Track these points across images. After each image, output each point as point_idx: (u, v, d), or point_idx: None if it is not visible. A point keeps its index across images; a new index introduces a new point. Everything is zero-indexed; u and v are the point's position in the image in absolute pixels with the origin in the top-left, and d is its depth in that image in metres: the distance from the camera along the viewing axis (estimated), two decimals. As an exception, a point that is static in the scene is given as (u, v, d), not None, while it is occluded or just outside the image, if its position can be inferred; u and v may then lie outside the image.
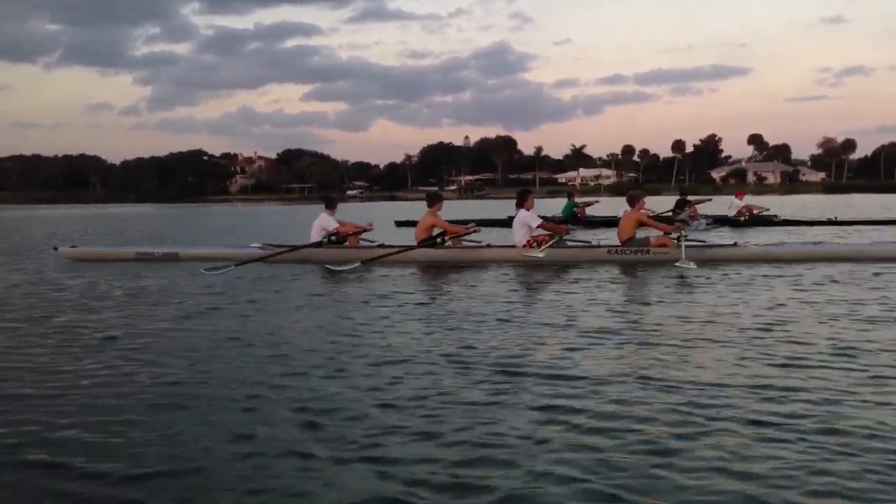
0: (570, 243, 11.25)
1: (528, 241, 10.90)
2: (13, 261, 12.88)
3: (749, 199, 21.55)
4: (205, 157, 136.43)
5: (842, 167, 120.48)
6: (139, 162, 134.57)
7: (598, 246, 11.27)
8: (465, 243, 11.37)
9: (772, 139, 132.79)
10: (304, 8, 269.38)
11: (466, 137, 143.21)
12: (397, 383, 4.25)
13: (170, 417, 3.72)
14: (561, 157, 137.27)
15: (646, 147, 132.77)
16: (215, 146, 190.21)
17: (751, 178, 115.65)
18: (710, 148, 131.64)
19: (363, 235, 12.16)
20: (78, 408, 3.91)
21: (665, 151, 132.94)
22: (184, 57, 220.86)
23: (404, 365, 4.67)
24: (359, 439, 3.34)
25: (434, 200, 11.53)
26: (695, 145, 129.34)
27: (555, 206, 25.82)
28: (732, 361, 4.61)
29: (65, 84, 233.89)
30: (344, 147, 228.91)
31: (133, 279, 9.68)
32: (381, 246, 11.70)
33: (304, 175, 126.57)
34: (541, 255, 10.38)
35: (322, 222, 11.71)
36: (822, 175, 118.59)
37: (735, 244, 10.97)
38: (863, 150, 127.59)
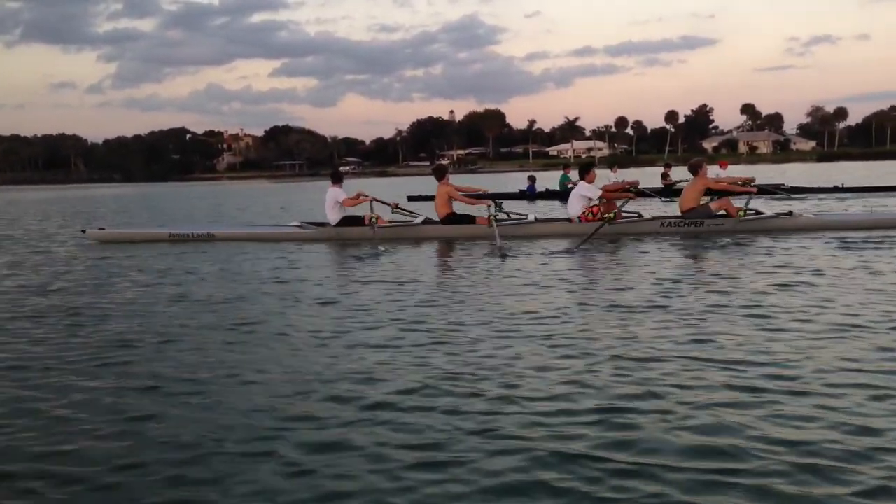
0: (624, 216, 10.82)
1: (584, 214, 10.80)
2: (42, 246, 11.97)
3: (740, 170, 21.62)
4: (188, 135, 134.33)
5: (833, 135, 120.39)
6: (122, 141, 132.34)
7: (652, 218, 10.84)
8: (514, 217, 11.04)
9: (743, 108, 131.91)
10: None
11: (452, 112, 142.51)
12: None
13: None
14: (549, 129, 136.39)
15: (639, 118, 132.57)
16: (184, 123, 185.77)
17: (742, 147, 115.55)
18: (701, 119, 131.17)
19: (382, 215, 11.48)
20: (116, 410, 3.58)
21: (655, 123, 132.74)
22: (148, 33, 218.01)
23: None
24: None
25: (441, 173, 11.35)
26: (686, 116, 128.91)
27: (548, 179, 25.37)
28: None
29: (27, 62, 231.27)
30: (316, 123, 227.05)
31: (176, 259, 9.31)
32: (428, 221, 11.23)
33: (292, 152, 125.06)
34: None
35: (336, 196, 11.33)
36: (812, 144, 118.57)
37: (790, 213, 10.62)
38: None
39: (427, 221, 11.17)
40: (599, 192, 10.81)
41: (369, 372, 3.99)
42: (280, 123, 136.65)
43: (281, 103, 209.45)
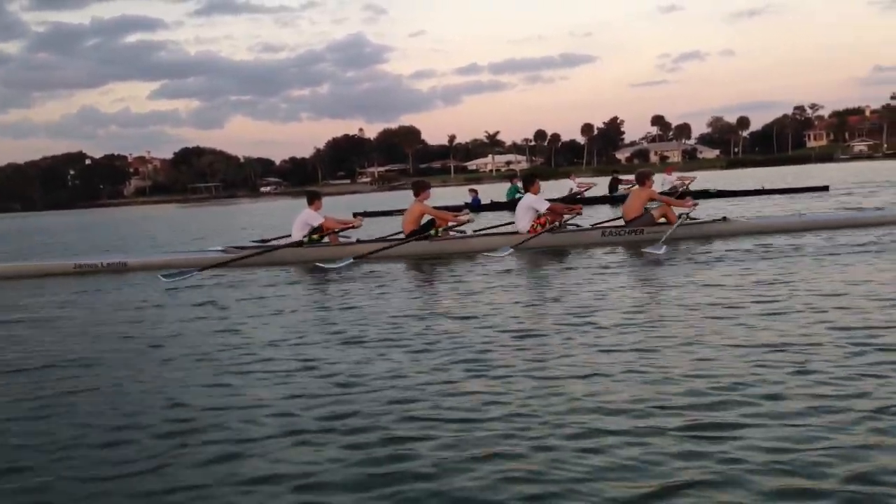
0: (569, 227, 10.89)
1: (533, 227, 10.49)
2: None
3: (685, 172, 23.19)
4: (88, 161, 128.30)
5: (737, 143, 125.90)
6: (17, 168, 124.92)
7: (592, 228, 10.84)
8: (451, 233, 10.66)
9: (653, 119, 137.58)
10: (145, 0, 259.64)
11: (361, 129, 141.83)
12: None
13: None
14: (466, 142, 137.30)
15: (556, 132, 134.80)
16: (57, 149, 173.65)
17: (653, 157, 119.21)
18: (613, 131, 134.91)
19: (343, 233, 11.16)
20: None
21: (570, 135, 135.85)
22: (14, 56, 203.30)
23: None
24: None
25: (420, 189, 10.78)
26: (598, 129, 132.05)
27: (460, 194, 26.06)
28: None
29: None
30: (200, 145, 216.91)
31: (78, 295, 8.24)
32: (359, 242, 10.73)
33: (205, 174, 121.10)
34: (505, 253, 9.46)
35: (306, 218, 10.55)
36: (716, 152, 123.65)
37: (725, 219, 10.79)
38: (700, 129, 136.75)
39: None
40: (547, 205, 10.64)
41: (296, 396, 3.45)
42: (163, 146, 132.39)
43: (162, 126, 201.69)
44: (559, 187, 25.23)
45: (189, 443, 3.24)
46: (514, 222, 10.87)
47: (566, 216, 10.62)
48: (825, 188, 21.41)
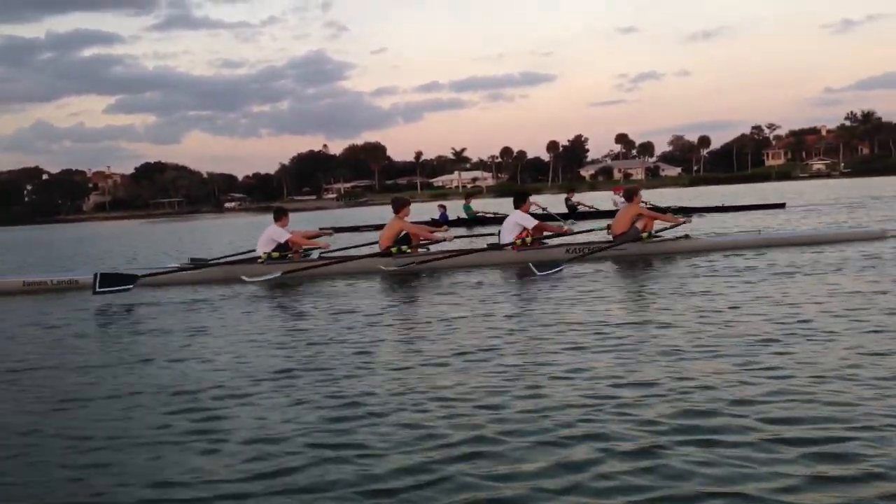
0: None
1: (514, 244, 10.58)
2: None
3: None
4: (45, 175, 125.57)
5: (698, 161, 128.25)
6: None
7: (559, 245, 10.73)
8: (431, 248, 10.85)
9: (617, 137, 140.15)
10: (101, 15, 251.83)
11: (325, 145, 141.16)
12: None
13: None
14: (432, 159, 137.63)
15: (522, 149, 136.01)
16: (9, 164, 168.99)
17: (617, 174, 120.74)
18: (577, 148, 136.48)
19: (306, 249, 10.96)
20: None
21: (535, 152, 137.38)
22: None
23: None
24: None
25: (400, 206, 10.72)
26: (563, 146, 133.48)
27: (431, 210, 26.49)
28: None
29: None
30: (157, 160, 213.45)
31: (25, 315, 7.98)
32: (321, 256, 10.67)
33: (168, 189, 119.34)
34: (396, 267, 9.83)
35: (272, 234, 10.37)
36: (678, 170, 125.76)
37: (686, 236, 10.87)
38: (662, 148, 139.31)
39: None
40: (535, 222, 10.82)
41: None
42: (118, 161, 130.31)
43: (118, 140, 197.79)
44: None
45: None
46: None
47: (547, 233, 10.91)
48: (782, 205, 22.17)
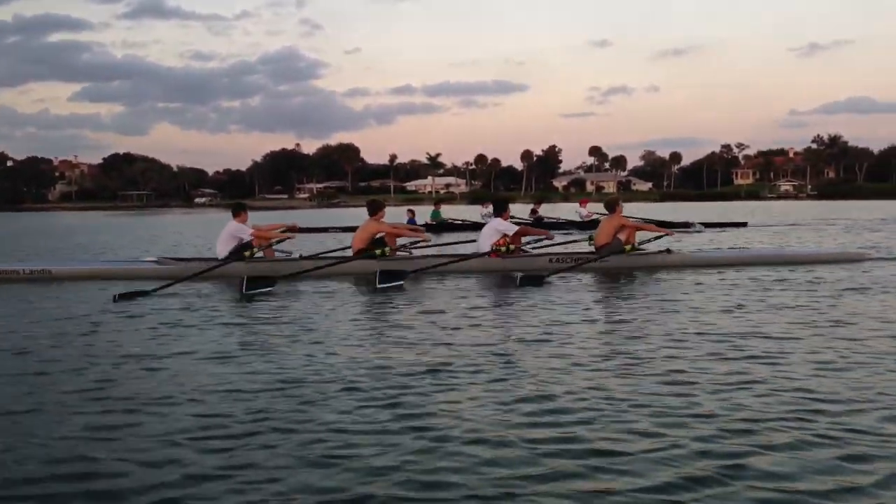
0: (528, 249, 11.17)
1: (493, 250, 10.57)
2: None
3: (591, 207, 23.91)
4: (10, 162, 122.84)
5: (669, 177, 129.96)
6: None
7: (542, 254, 10.86)
8: (399, 253, 10.63)
9: (591, 150, 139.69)
10: (71, 0, 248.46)
11: (297, 144, 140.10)
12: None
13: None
14: (406, 163, 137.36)
15: (497, 157, 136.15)
16: None
17: (589, 187, 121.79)
18: (551, 158, 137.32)
19: (280, 245, 10.64)
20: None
21: (508, 161, 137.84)
22: None
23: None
24: None
25: (376, 208, 10.63)
26: (537, 156, 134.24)
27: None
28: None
29: None
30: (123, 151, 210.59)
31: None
32: (303, 258, 10.61)
33: (136, 181, 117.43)
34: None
35: (232, 230, 10.04)
36: (649, 185, 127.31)
37: (668, 251, 11.01)
38: (633, 162, 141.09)
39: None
40: (516, 229, 10.86)
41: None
42: (83, 150, 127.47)
43: (82, 129, 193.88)
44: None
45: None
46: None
47: (525, 238, 11.02)
48: (744, 224, 23.28)
